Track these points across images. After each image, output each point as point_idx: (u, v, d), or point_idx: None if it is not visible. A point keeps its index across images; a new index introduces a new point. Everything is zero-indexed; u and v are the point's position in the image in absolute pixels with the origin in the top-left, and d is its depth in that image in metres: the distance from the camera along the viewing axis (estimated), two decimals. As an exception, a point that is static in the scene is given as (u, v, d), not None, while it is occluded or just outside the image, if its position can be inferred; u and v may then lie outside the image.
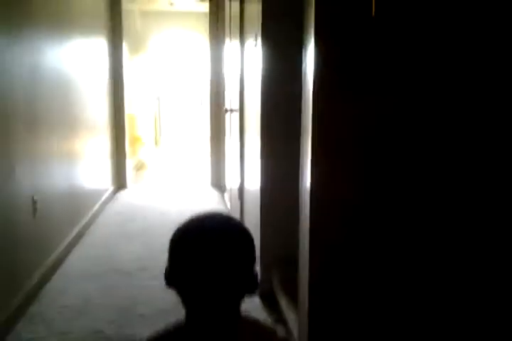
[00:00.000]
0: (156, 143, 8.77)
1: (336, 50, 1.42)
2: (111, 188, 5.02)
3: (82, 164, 3.69)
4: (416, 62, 1.43)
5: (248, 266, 0.86)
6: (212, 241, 0.83)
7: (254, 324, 0.97)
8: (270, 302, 2.37)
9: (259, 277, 0.90)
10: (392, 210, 1.48)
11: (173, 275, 0.86)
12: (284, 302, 2.12)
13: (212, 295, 0.84)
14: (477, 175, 1.47)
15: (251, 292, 0.92)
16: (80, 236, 3.47)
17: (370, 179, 1.47)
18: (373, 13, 1.36)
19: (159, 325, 2.27)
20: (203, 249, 0.82)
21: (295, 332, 1.83)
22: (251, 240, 0.88)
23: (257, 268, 0.90)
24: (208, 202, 4.87)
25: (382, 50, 1.42)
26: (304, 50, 1.51)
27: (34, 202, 2.48)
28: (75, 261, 3.03)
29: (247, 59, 2.85)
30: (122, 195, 5.21)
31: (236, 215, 3.52)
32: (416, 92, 1.44)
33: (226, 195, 4.66)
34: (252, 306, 2.36)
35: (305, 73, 1.50)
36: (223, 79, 4.80)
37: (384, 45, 1.42)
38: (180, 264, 0.85)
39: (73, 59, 3.41)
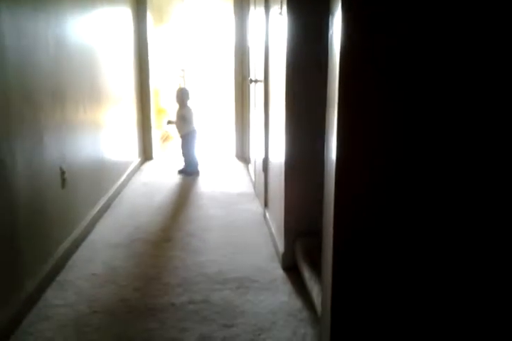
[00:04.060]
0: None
1: (364, 16, 1.35)
2: (137, 159, 5.08)
3: (109, 136, 3.72)
4: (449, 29, 1.36)
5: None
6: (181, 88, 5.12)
7: None
8: (293, 274, 2.38)
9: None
10: (421, 180, 1.44)
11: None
12: (307, 274, 2.13)
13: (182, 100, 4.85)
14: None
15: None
16: (107, 206, 3.53)
17: (398, 150, 1.42)
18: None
19: (182, 294, 2.32)
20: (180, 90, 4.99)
21: (318, 304, 1.83)
22: (188, 89, 5.06)
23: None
24: (232, 173, 4.89)
25: (413, 15, 1.35)
26: (330, 17, 1.45)
27: (62, 173, 2.52)
28: (102, 230, 3.10)
29: (272, 28, 2.78)
30: (148, 166, 5.27)
31: (260, 187, 3.52)
32: (450, 61, 1.38)
33: (250, 167, 4.66)
34: (276, 277, 2.38)
35: (331, 41, 1.44)
36: (248, 49, 4.72)
37: (415, 9, 1.35)
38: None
39: (98, 29, 3.38)
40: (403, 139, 1.42)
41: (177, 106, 4.90)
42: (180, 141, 4.95)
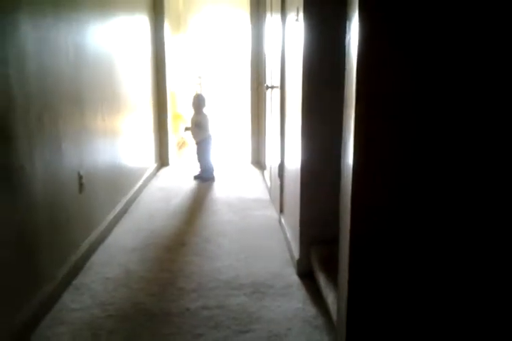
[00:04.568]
0: (197, 121, 8.79)
1: (381, 21, 1.35)
2: (154, 165, 5.11)
3: (126, 141, 3.75)
4: (472, 31, 1.35)
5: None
6: (198, 95, 5.02)
7: None
8: (309, 281, 2.37)
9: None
10: (441, 187, 1.42)
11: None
12: (322, 281, 2.11)
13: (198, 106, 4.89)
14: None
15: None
16: (123, 211, 3.56)
17: (416, 156, 1.41)
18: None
19: (197, 299, 2.32)
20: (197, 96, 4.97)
21: (333, 311, 1.82)
22: (204, 96, 4.99)
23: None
24: (247, 179, 4.89)
25: (431, 18, 1.35)
26: (347, 24, 1.45)
27: (80, 178, 2.55)
28: (118, 235, 3.12)
29: (289, 34, 2.79)
30: (165, 171, 5.31)
31: (276, 193, 3.52)
32: (473, 65, 1.37)
33: (266, 173, 4.66)
34: (291, 283, 2.37)
35: (348, 48, 1.44)
36: (264, 55, 4.74)
37: (434, 13, 1.34)
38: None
39: (116, 37, 3.43)
40: (422, 145, 1.41)
41: (192, 112, 4.94)
42: (195, 147, 4.99)
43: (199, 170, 4.93)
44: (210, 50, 9.00)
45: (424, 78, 1.38)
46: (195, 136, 4.93)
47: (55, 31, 2.24)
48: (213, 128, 5.16)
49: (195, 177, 4.88)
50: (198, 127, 4.83)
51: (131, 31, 4.00)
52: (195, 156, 4.97)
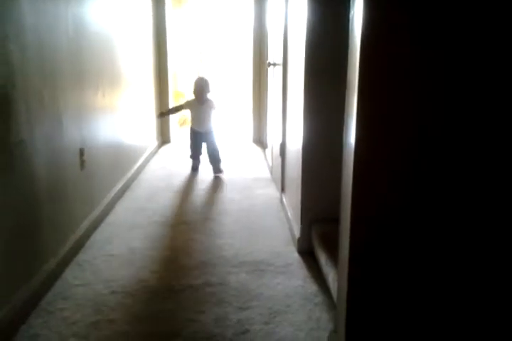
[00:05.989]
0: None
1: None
2: (155, 143, 5.10)
3: (127, 118, 3.73)
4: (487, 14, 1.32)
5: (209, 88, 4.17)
6: (201, 79, 4.20)
7: None
8: (309, 259, 2.38)
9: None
10: (444, 166, 1.41)
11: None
12: (323, 259, 2.13)
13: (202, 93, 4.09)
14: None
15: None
16: (125, 188, 3.57)
17: (422, 135, 1.40)
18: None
19: (199, 276, 2.33)
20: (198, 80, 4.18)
21: (333, 289, 1.83)
22: (208, 80, 4.19)
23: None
24: (249, 158, 4.88)
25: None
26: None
27: (81, 154, 2.54)
28: (120, 212, 3.13)
29: (292, 10, 2.73)
30: (166, 149, 5.30)
31: (277, 172, 3.51)
32: (481, 42, 1.34)
33: (267, 152, 4.64)
34: (291, 261, 2.39)
35: (352, 22, 1.41)
36: (266, 32, 4.66)
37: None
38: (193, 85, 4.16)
39: (116, 11, 3.37)
40: (427, 123, 1.39)
41: (196, 98, 4.13)
42: (205, 138, 4.19)
43: (212, 164, 4.20)
44: (212, 24, 8.86)
45: (433, 56, 1.35)
46: (200, 126, 4.16)
47: (54, 3, 2.19)
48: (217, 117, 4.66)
49: (216, 173, 4.17)
50: (207, 117, 4.15)
51: (131, 5, 3.92)
52: (208, 149, 4.21)
